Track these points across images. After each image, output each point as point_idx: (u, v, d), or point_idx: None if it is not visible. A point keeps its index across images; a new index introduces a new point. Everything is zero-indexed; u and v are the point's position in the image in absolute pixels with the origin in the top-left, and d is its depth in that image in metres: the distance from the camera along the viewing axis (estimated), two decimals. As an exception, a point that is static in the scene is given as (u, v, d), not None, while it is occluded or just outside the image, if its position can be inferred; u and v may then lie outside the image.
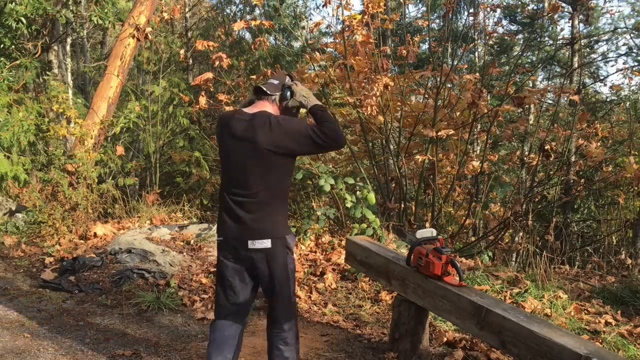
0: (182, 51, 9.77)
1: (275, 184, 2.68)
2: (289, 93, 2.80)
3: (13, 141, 7.79)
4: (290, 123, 2.67)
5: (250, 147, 2.63)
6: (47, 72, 9.17)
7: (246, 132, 2.65)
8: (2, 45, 8.34)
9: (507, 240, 7.80)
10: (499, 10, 12.26)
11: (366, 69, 7.04)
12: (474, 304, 2.91)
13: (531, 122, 11.06)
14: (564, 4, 11.40)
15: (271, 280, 2.71)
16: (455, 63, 7.66)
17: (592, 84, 13.95)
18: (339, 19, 7.71)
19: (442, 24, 14.00)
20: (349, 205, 5.83)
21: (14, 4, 7.89)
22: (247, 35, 12.91)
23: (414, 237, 3.39)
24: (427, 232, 3.33)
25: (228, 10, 13.95)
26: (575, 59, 11.51)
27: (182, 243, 5.90)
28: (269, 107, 2.76)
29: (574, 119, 7.83)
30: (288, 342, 2.76)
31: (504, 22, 13.81)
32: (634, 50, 12.36)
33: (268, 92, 2.76)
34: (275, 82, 2.82)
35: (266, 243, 2.64)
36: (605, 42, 13.77)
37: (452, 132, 6.54)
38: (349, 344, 3.76)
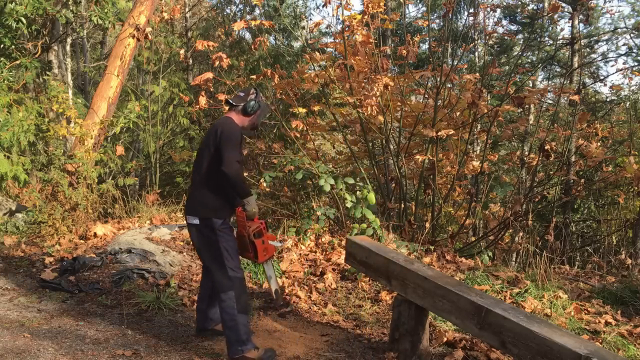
0: (182, 51, 9.76)
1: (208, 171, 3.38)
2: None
3: (13, 141, 7.78)
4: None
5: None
6: (47, 72, 9.16)
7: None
8: (2, 45, 8.34)
9: (507, 240, 7.79)
10: (499, 10, 12.26)
11: (366, 69, 7.04)
12: (474, 304, 2.91)
13: (531, 122, 11.04)
14: (564, 4, 11.39)
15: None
16: (455, 63, 7.65)
17: (592, 84, 13.93)
18: (339, 19, 7.72)
19: (442, 24, 13.99)
20: (349, 205, 5.83)
21: (14, 4, 7.89)
22: (247, 35, 12.91)
23: None
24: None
25: (228, 10, 13.95)
26: (575, 59, 11.50)
27: (182, 243, 5.90)
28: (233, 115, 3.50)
29: (574, 119, 7.83)
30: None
31: (504, 22, 13.80)
32: (634, 50, 12.34)
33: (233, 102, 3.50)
34: (242, 94, 3.54)
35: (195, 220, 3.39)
36: (605, 42, 13.74)
37: (452, 132, 6.54)
38: (349, 344, 3.76)
